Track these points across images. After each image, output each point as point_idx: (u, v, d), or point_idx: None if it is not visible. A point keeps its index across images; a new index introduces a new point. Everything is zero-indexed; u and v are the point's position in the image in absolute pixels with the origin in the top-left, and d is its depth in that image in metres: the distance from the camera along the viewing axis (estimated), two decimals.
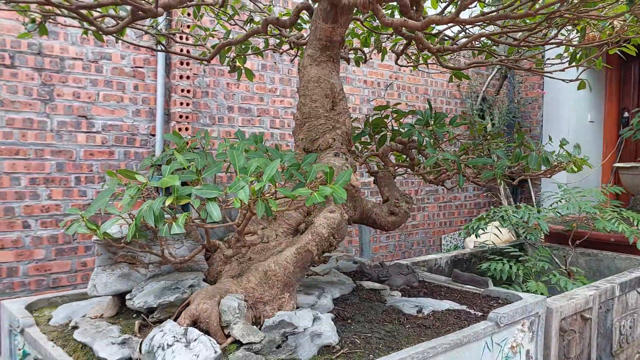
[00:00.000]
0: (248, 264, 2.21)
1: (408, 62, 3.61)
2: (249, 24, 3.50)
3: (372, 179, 3.78)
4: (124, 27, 2.19)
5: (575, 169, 2.54)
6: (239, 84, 5.10)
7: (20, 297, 3.14)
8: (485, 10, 2.87)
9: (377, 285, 2.72)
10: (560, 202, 4.23)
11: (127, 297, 2.03)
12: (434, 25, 2.37)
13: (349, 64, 3.43)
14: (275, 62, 5.33)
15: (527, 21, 2.71)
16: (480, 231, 4.08)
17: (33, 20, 2.54)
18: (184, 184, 1.64)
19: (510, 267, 3.67)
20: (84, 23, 2.36)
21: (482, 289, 2.75)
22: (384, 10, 2.49)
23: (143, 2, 1.96)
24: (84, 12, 2.06)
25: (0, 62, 3.83)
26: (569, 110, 7.17)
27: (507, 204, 6.91)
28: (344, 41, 2.87)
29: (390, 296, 2.60)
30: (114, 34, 2.31)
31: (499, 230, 4.87)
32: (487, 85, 7.15)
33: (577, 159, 2.72)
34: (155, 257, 2.15)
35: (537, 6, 2.28)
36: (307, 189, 1.65)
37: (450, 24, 2.39)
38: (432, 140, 2.66)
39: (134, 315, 2.06)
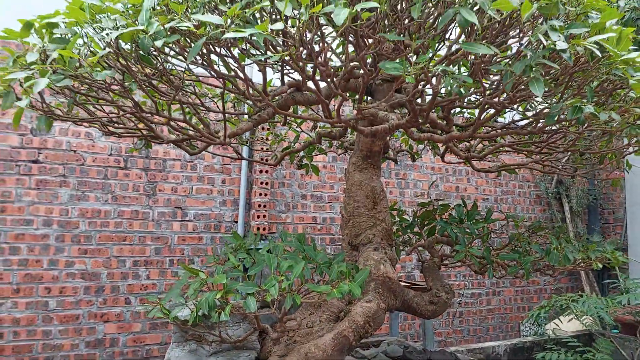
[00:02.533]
0: (293, 346, 2.59)
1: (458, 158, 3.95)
2: (314, 130, 4.08)
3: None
4: (203, 150, 2.82)
5: (600, 266, 2.68)
6: (312, 175, 5.68)
7: None
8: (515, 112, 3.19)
9: None
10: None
11: None
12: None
13: (396, 163, 3.84)
14: (341, 155, 5.89)
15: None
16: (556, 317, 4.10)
17: (141, 139, 3.27)
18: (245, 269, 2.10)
19: (567, 358, 3.68)
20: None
21: None
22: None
23: (215, 137, 2.55)
24: (174, 135, 2.71)
25: (116, 165, 4.71)
26: None
27: (589, 290, 6.66)
28: (384, 149, 3.32)
29: None
30: (199, 155, 2.94)
31: (576, 318, 4.79)
32: (561, 167, 7.15)
33: (614, 255, 2.85)
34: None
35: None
36: (328, 286, 2.04)
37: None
38: (464, 237, 2.94)
39: None
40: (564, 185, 7.20)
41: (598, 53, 1.78)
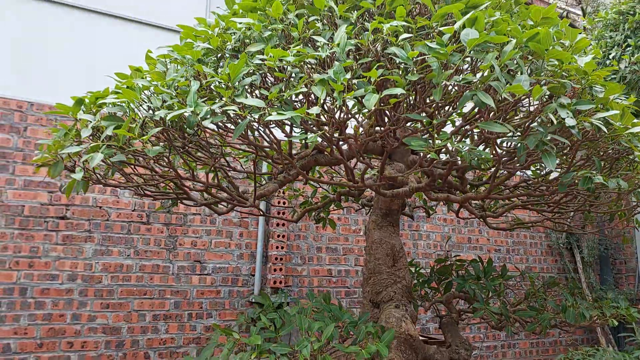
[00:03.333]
0: None
1: (470, 215, 4.09)
2: (331, 185, 4.24)
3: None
4: (231, 210, 2.98)
5: (616, 323, 2.76)
6: (327, 227, 5.81)
7: None
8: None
9: None
10: None
11: None
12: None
13: (413, 220, 3.98)
14: (357, 210, 6.05)
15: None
16: None
17: (173, 201, 3.44)
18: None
19: None
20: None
21: None
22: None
23: (244, 199, 2.72)
24: (198, 194, 2.88)
25: (139, 220, 4.88)
26: None
27: (605, 342, 6.62)
28: (402, 207, 3.46)
29: None
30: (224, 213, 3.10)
31: None
32: (571, 217, 7.25)
33: (629, 312, 2.93)
34: None
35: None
36: (357, 347, 2.14)
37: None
38: (482, 293, 3.05)
39: None
40: (575, 236, 7.28)
41: (604, 129, 1.95)
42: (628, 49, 4.35)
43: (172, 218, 5.04)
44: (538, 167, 3.43)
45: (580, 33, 2.38)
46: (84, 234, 4.63)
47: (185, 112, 1.92)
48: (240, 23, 2.31)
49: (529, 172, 3.45)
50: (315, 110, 1.79)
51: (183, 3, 5.76)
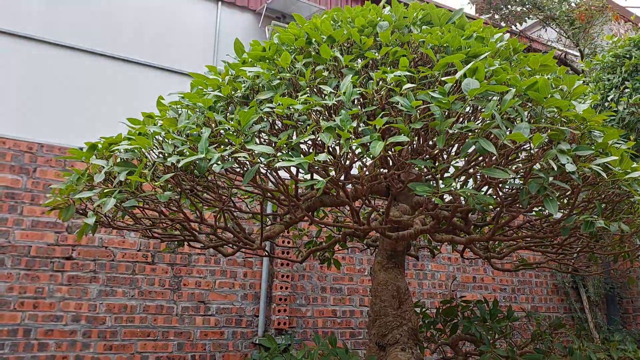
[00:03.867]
0: None
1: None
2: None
3: None
4: (237, 252, 3.02)
5: None
6: (332, 267, 5.80)
7: None
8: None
9: None
10: None
11: None
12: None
13: (418, 260, 3.99)
14: (362, 250, 6.05)
15: None
16: None
17: (180, 243, 3.47)
18: None
19: None
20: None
21: None
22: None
23: (251, 242, 2.76)
24: (203, 236, 2.91)
25: (144, 260, 4.89)
26: None
27: None
28: (407, 248, 3.49)
29: None
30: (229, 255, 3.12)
31: None
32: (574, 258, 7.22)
33: (637, 355, 2.91)
34: None
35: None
36: None
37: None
38: (489, 335, 3.04)
39: None
40: (580, 275, 7.23)
41: (604, 175, 2.00)
42: (626, 91, 4.45)
43: (176, 258, 5.06)
44: (540, 207, 3.47)
45: (578, 80, 2.46)
46: (89, 275, 4.65)
47: (197, 158, 1.98)
48: (249, 72, 2.41)
49: (532, 214, 3.49)
50: (323, 157, 1.85)
51: (192, 50, 5.93)
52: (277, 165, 1.88)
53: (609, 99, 4.76)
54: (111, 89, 5.33)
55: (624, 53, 4.78)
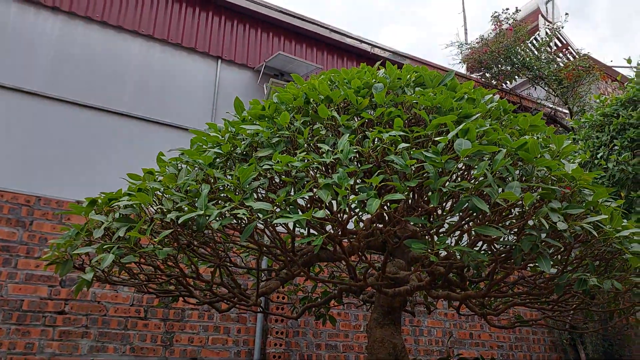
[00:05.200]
0: None
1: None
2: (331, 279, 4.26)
3: None
4: (232, 308, 2.99)
5: None
6: (327, 323, 5.71)
7: None
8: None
9: None
10: None
11: None
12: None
13: (414, 317, 3.96)
14: (358, 306, 5.98)
15: None
16: None
17: (175, 298, 3.44)
18: None
19: None
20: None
21: None
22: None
23: (246, 298, 2.75)
24: (198, 292, 2.90)
25: (137, 315, 4.82)
26: None
27: None
28: (403, 304, 3.47)
29: None
30: (223, 311, 3.10)
31: None
32: (571, 315, 7.15)
33: None
34: None
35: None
36: None
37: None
38: None
39: None
40: (577, 332, 7.13)
41: (595, 233, 2.05)
42: (615, 148, 4.58)
43: (169, 313, 4.98)
44: (534, 264, 3.49)
45: (566, 139, 2.55)
46: (81, 329, 4.56)
47: (196, 215, 2.02)
48: (249, 129, 2.49)
49: (527, 268, 3.50)
50: (321, 214, 1.89)
51: (192, 106, 6.08)
52: (276, 221, 1.92)
53: (598, 156, 4.88)
54: (112, 143, 5.42)
55: (611, 112, 4.95)
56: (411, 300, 4.12)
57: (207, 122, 2.97)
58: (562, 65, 8.03)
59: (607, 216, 2.14)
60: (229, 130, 2.70)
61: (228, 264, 2.96)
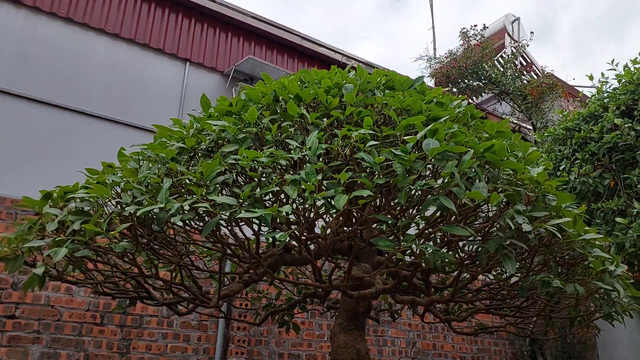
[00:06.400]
0: None
1: (435, 319, 4.06)
2: (297, 287, 4.20)
3: None
4: (192, 311, 2.90)
5: None
6: (290, 332, 5.62)
7: None
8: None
9: None
10: None
11: None
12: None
13: (379, 324, 3.93)
14: (322, 313, 5.92)
15: None
16: None
17: (132, 299, 3.31)
18: None
19: None
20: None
21: None
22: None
23: (208, 299, 2.66)
24: (157, 292, 2.79)
25: (92, 321, 4.63)
26: (624, 349, 7.02)
27: None
28: (368, 309, 3.44)
29: None
30: (184, 314, 3.00)
31: None
32: (533, 325, 7.26)
33: None
34: None
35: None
36: None
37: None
38: None
39: None
40: (538, 343, 7.25)
41: (559, 235, 2.06)
42: (576, 161, 4.69)
43: (127, 319, 4.80)
44: (499, 271, 3.51)
45: (531, 146, 2.58)
46: (32, 335, 4.34)
47: (156, 208, 1.94)
48: (215, 125, 2.42)
49: (491, 276, 3.52)
50: (287, 208, 1.84)
51: (158, 107, 5.95)
52: (239, 216, 1.86)
53: (560, 168, 5.00)
54: (74, 143, 5.24)
55: (573, 126, 5.09)
56: (376, 307, 4.09)
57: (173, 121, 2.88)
58: (526, 82, 8.25)
59: (570, 219, 2.17)
60: (194, 126, 2.63)
61: (189, 265, 2.86)
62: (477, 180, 2.13)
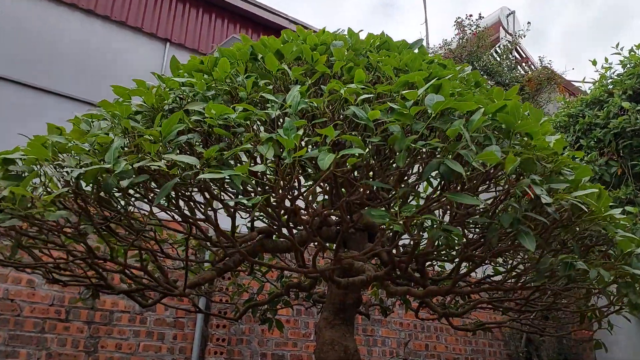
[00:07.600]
0: None
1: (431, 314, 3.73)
2: (280, 280, 3.85)
3: None
4: (157, 302, 2.53)
5: None
6: (274, 330, 5.26)
7: None
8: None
9: None
10: None
11: None
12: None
13: (369, 319, 3.59)
14: (307, 308, 5.56)
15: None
16: None
17: (88, 288, 2.94)
18: None
19: None
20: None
21: None
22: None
23: (173, 287, 2.31)
24: (127, 285, 2.43)
25: (56, 317, 4.23)
26: (621, 351, 6.75)
27: None
28: (357, 303, 3.09)
29: None
30: (150, 307, 2.63)
31: None
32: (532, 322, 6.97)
33: None
34: None
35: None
36: None
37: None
38: None
39: None
40: (534, 344, 6.96)
41: (584, 208, 1.74)
42: (581, 149, 4.40)
43: (95, 315, 4.42)
44: (500, 263, 3.19)
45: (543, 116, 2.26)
46: None
47: (101, 168, 1.58)
48: (181, 82, 2.07)
49: (490, 271, 3.20)
50: (260, 167, 1.50)
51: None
52: (202, 176, 1.51)
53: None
54: (42, 122, 4.85)
55: (577, 112, 4.79)
56: (365, 302, 3.75)
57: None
58: (524, 73, 7.99)
59: (596, 190, 1.84)
60: (161, 86, 2.28)
61: (157, 252, 2.50)
62: (487, 144, 1.80)
